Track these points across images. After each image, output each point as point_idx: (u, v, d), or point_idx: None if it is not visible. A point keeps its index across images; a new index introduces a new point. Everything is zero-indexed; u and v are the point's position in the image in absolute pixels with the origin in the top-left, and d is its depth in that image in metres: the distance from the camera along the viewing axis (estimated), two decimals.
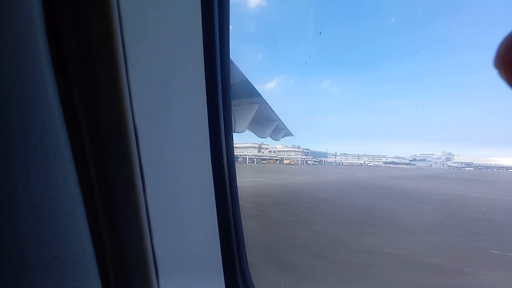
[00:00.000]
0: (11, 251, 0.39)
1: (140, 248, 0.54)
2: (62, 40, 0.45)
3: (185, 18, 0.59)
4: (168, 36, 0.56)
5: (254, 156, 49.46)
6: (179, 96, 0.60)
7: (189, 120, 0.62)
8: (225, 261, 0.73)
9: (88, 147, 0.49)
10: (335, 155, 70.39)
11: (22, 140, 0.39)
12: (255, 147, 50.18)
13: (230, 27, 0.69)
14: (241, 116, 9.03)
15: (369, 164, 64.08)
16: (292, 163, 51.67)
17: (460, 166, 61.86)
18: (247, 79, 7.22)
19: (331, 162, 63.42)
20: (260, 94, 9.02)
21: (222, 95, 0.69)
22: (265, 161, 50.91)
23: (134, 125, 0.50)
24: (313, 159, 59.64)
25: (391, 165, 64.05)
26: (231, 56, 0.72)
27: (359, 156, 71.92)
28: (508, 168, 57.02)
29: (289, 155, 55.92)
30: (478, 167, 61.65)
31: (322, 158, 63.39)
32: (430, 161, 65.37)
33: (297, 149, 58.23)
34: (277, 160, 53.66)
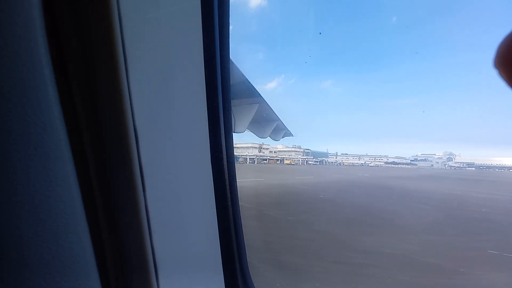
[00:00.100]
0: (11, 251, 0.39)
1: (140, 248, 0.54)
2: (62, 40, 0.45)
3: (185, 18, 0.59)
4: (168, 36, 0.56)
5: (255, 156, 49.46)
6: (179, 96, 0.60)
7: (189, 120, 0.62)
8: (225, 261, 0.73)
9: (88, 147, 0.49)
10: (336, 155, 70.34)
11: (22, 140, 0.39)
12: (255, 147, 50.19)
13: (230, 27, 0.69)
14: (241, 116, 9.04)
15: (370, 164, 63.95)
16: (292, 163, 51.64)
17: (461, 166, 61.65)
18: (247, 79, 7.23)
19: (332, 162, 63.30)
20: (260, 94, 9.04)
21: (222, 95, 0.69)
22: (265, 161, 50.92)
23: (134, 125, 0.50)
24: (314, 159, 59.57)
25: (392, 165, 63.90)
26: (231, 56, 0.72)
27: (360, 156, 71.81)
28: (509, 168, 56.84)
29: (289, 155, 55.88)
30: (479, 167, 61.47)
31: (323, 158, 63.31)
32: (431, 161, 65.17)
33: (298, 149, 58.17)
34: (277, 160, 53.63)
